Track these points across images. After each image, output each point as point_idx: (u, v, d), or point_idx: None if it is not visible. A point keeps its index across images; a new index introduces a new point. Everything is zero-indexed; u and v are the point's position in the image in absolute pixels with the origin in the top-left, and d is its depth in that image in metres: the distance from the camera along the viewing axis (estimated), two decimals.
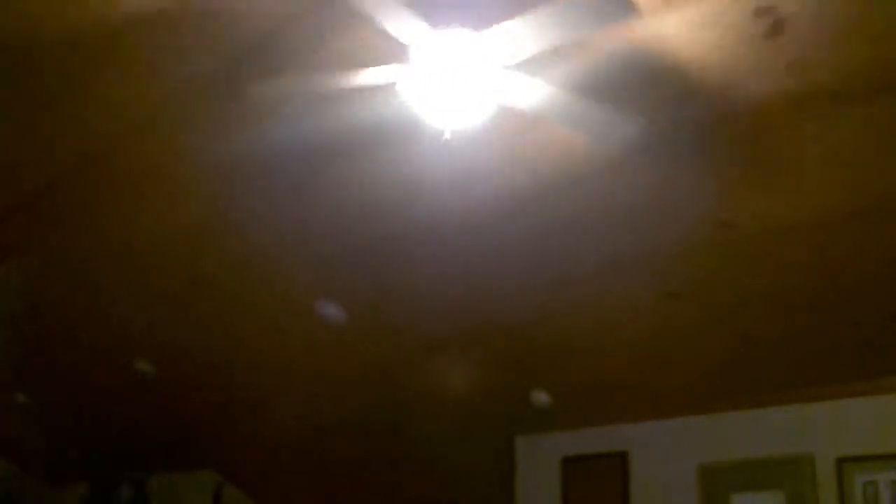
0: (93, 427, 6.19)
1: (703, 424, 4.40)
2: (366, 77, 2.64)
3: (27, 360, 5.70)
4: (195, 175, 3.66)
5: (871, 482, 3.81)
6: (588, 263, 3.77)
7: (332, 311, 4.41)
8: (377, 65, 2.64)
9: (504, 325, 4.29)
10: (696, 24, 2.64)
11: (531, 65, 2.61)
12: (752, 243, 3.46)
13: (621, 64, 2.81)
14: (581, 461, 4.74)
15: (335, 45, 2.86)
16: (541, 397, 4.69)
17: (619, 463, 4.58)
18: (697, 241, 3.51)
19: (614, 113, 2.73)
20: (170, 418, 5.79)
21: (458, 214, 3.64)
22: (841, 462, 3.89)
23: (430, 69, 2.54)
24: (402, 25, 2.42)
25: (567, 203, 3.48)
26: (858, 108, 2.84)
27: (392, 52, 2.59)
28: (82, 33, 2.95)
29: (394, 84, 2.63)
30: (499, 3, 2.54)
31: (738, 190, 3.24)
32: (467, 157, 3.27)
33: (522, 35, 2.42)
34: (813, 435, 4.03)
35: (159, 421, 5.84)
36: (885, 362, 3.79)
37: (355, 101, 2.79)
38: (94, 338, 5.13)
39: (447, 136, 2.71)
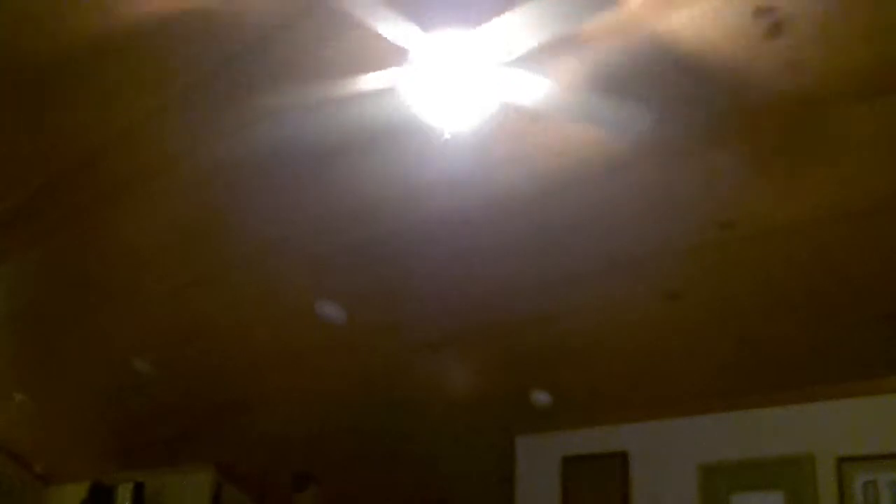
0: (92, 427, 6.20)
1: (703, 424, 4.40)
2: (365, 78, 2.64)
3: (27, 360, 5.71)
4: (194, 176, 3.66)
5: (871, 482, 3.81)
6: (588, 263, 3.77)
7: (332, 311, 4.41)
8: (377, 65, 2.64)
9: (504, 325, 4.29)
10: (696, 24, 2.63)
11: (532, 62, 2.61)
12: (753, 243, 3.46)
13: (621, 65, 2.81)
14: (581, 461, 4.74)
15: (335, 46, 2.86)
16: (541, 397, 4.69)
17: (619, 463, 4.58)
18: (698, 242, 3.51)
19: (620, 106, 2.71)
20: (169, 418, 5.79)
21: (458, 214, 3.64)
22: (841, 462, 3.89)
23: (429, 69, 2.54)
24: (395, 29, 2.42)
25: (567, 203, 3.47)
26: (858, 107, 2.84)
27: (392, 52, 2.59)
28: (79, 36, 2.95)
29: (393, 85, 2.63)
30: (489, 1, 2.54)
31: (738, 190, 3.24)
32: (467, 157, 3.27)
33: (516, 30, 2.41)
34: (813, 435, 4.02)
35: (159, 421, 5.84)
36: (885, 362, 3.79)
37: (355, 102, 2.78)
38: (93, 338, 5.13)
39: (447, 136, 2.71)
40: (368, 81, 2.65)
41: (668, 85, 2.86)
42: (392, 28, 2.41)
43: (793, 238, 3.39)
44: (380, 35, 2.47)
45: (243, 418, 5.60)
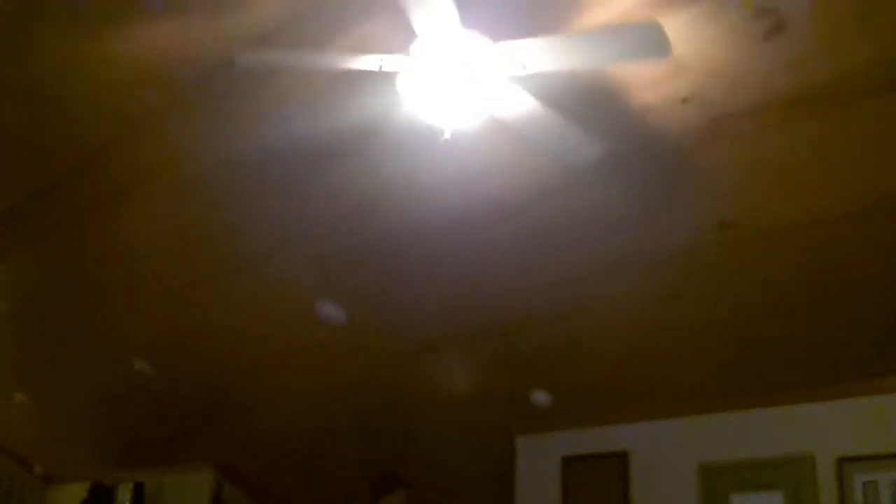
0: (92, 427, 6.19)
1: (703, 424, 4.40)
2: (366, 77, 2.64)
3: (27, 360, 5.71)
4: (194, 175, 3.66)
5: (871, 482, 3.81)
6: (588, 263, 3.76)
7: (332, 311, 4.41)
8: (377, 65, 2.64)
9: (504, 325, 4.28)
10: (696, 24, 2.63)
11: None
12: (753, 243, 3.46)
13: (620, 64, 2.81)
14: (581, 461, 4.74)
15: (335, 46, 2.86)
16: (541, 397, 4.69)
17: (619, 463, 4.58)
18: (698, 242, 3.51)
19: (579, 130, 2.72)
20: (169, 418, 5.79)
21: (458, 214, 3.64)
22: (841, 462, 3.89)
23: (431, 70, 2.53)
24: (430, 16, 2.37)
25: (568, 203, 3.47)
26: (858, 108, 2.84)
27: (392, 52, 2.59)
28: (81, 36, 2.95)
29: (394, 84, 2.63)
30: (523, 19, 2.54)
31: (738, 190, 3.24)
32: (467, 157, 3.27)
33: (542, 53, 2.41)
34: (813, 435, 4.02)
35: (158, 421, 5.84)
36: (885, 362, 3.79)
37: (355, 102, 2.79)
38: (93, 338, 5.13)
39: (447, 136, 2.71)
40: (368, 82, 2.64)
41: (668, 85, 2.86)
42: (427, 14, 2.36)
43: (793, 238, 3.39)
44: (380, 35, 2.47)
45: (243, 418, 5.60)
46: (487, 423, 4.99)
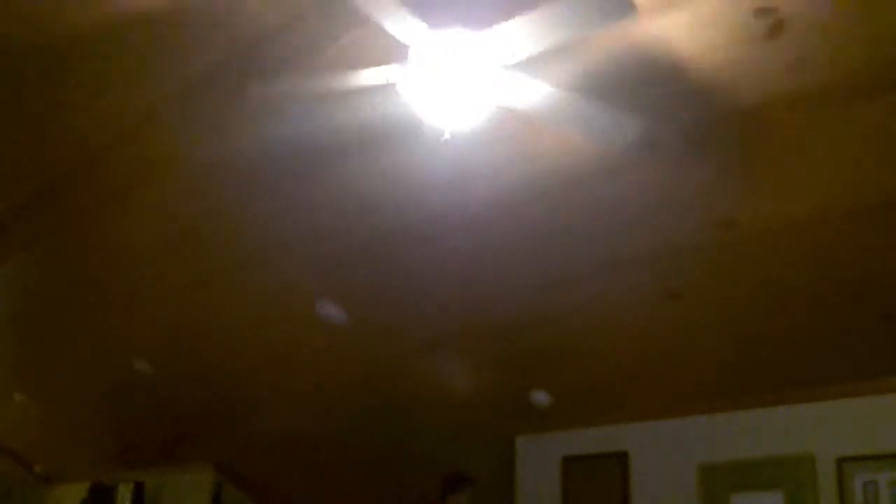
0: (92, 427, 6.20)
1: (703, 424, 4.40)
2: (365, 77, 2.64)
3: (27, 360, 5.71)
4: (195, 176, 3.66)
5: (871, 482, 3.81)
6: (588, 263, 3.76)
7: (332, 311, 4.41)
8: (377, 65, 2.64)
9: (504, 325, 4.29)
10: (696, 24, 2.63)
11: (531, 64, 2.62)
12: (753, 243, 3.46)
13: (622, 64, 2.81)
14: (581, 461, 4.75)
15: (335, 45, 2.86)
16: (541, 397, 4.69)
17: (619, 463, 4.59)
18: (698, 241, 3.51)
19: (615, 112, 2.72)
20: (169, 418, 5.80)
21: (458, 214, 3.63)
22: (841, 462, 3.89)
23: (429, 69, 2.53)
24: (401, 25, 2.42)
25: (568, 203, 3.47)
26: (858, 107, 2.84)
27: (392, 51, 2.59)
28: (82, 34, 2.95)
29: (394, 84, 2.63)
30: (497, 4, 2.54)
31: (738, 190, 3.24)
32: (467, 157, 3.27)
33: (521, 35, 2.42)
34: (813, 435, 4.03)
35: (158, 421, 5.85)
36: (885, 362, 3.79)
37: (355, 102, 2.78)
38: (93, 338, 5.13)
39: (447, 136, 2.71)
40: (368, 81, 2.64)
41: (669, 85, 2.86)
42: (397, 24, 2.40)
43: (793, 238, 3.39)
44: (380, 35, 2.47)
45: (243, 418, 5.60)
46: (487, 423, 4.99)
